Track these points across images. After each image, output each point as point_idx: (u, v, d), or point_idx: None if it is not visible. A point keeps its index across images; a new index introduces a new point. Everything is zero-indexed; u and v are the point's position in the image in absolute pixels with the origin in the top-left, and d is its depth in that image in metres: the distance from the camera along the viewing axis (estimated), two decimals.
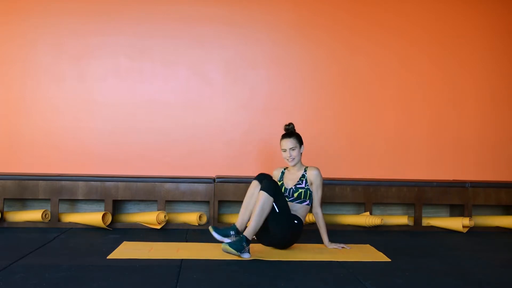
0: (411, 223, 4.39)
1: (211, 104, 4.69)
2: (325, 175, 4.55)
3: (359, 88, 4.78)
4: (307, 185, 3.42)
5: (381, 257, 3.19)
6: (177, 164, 4.60)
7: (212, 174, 4.51)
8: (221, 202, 4.34)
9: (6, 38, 4.56)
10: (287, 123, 3.54)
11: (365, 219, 4.21)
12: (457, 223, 4.27)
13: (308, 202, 3.42)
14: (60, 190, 4.11)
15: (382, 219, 4.17)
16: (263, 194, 3.13)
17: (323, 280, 2.61)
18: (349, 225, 4.29)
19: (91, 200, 4.30)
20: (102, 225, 4.01)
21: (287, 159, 3.45)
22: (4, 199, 4.10)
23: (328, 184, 4.26)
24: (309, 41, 4.77)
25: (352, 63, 4.79)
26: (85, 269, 2.72)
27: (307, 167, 3.49)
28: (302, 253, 3.25)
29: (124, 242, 3.48)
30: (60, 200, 4.15)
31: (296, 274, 2.73)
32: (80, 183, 4.13)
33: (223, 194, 4.21)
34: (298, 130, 3.49)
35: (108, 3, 4.63)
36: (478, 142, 4.86)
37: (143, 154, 4.60)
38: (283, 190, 3.43)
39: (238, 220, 3.27)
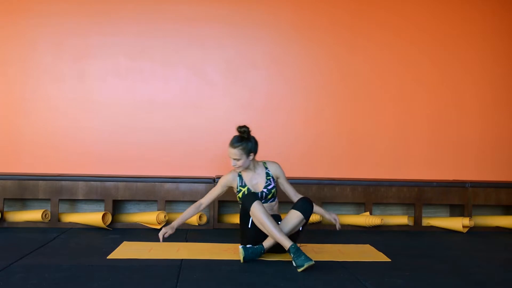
0: (411, 223, 4.39)
1: (211, 104, 4.68)
2: (325, 175, 4.58)
3: (359, 88, 4.78)
4: (275, 182, 3.32)
5: (381, 257, 3.19)
6: (177, 164, 4.60)
7: (212, 174, 4.51)
8: (221, 202, 4.34)
9: (6, 38, 4.56)
10: (241, 125, 3.20)
11: (365, 219, 4.21)
12: (457, 223, 4.27)
13: (276, 197, 3.33)
14: (60, 190, 4.11)
15: (382, 219, 4.17)
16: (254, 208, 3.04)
17: (323, 280, 2.61)
18: (349, 225, 4.29)
19: (91, 200, 4.31)
20: (102, 225, 4.01)
21: (233, 166, 3.26)
22: (4, 199, 4.10)
23: (328, 184, 4.27)
24: (309, 41, 4.76)
25: (352, 63, 4.78)
26: (85, 269, 2.72)
27: (265, 163, 3.35)
28: None
29: (124, 242, 3.48)
30: (60, 200, 4.15)
31: (296, 274, 2.73)
32: (80, 183, 4.13)
33: (223, 194, 4.19)
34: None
35: (108, 3, 4.63)
36: (478, 142, 4.86)
37: (143, 154, 4.60)
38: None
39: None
